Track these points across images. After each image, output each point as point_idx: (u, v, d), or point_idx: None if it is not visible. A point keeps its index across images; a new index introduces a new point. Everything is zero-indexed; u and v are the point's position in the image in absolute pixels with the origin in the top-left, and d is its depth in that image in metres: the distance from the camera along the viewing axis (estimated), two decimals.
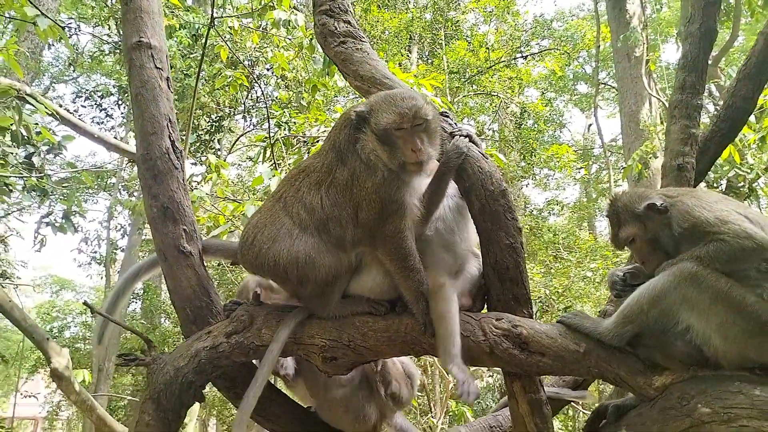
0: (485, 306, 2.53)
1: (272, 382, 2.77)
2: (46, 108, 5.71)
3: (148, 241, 20.47)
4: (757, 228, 2.18)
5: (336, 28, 2.81)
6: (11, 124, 5.75)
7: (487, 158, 2.48)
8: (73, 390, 6.32)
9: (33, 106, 5.71)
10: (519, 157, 17.95)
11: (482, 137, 19.95)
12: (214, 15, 7.50)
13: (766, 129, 8.30)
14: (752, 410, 2.00)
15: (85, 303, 2.84)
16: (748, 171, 12.26)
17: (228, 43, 10.09)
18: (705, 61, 3.23)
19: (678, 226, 2.25)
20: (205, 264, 2.72)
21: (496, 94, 18.39)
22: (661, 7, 20.12)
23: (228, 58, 9.82)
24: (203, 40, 8.90)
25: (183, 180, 2.69)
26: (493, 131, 20.70)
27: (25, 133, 5.88)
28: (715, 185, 13.08)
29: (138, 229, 20.10)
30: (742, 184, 12.41)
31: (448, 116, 2.60)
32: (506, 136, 18.78)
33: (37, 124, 6.06)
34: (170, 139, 2.68)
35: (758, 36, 3.39)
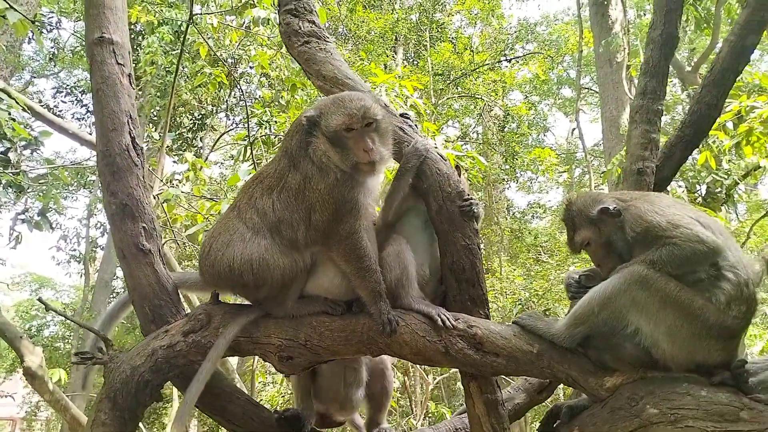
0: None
1: (235, 383, 2.75)
2: (18, 103, 5.63)
3: None
4: (709, 232, 2.21)
5: (300, 28, 2.81)
6: None
7: (445, 160, 2.49)
8: (47, 389, 6.26)
9: (5, 100, 5.63)
10: (502, 160, 18.04)
11: (466, 140, 20.06)
12: (194, 12, 7.47)
13: (742, 135, 8.38)
14: (698, 411, 2.04)
15: (39, 300, 2.80)
16: (725, 177, 12.42)
17: (209, 40, 10.05)
18: (666, 67, 3.28)
19: (631, 230, 2.28)
20: (165, 262, 2.70)
21: (480, 96, 18.47)
22: (644, 14, 20.35)
23: (210, 55, 9.77)
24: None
25: (143, 177, 2.67)
26: (477, 134, 20.80)
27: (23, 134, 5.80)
28: (693, 191, 13.25)
29: None
30: (719, 189, 12.58)
31: (408, 117, 2.61)
32: (489, 139, 18.88)
33: (14, 119, 5.97)
34: (130, 135, 2.66)
35: (723, 43, 3.44)
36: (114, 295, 20.42)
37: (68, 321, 21.09)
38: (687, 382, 2.13)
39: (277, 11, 7.16)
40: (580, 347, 2.28)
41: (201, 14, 7.76)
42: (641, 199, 2.39)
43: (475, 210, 2.44)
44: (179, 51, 7.68)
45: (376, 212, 2.49)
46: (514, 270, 14.72)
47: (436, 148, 2.50)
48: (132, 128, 2.67)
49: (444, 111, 19.61)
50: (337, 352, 2.40)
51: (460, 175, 2.55)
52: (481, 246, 2.48)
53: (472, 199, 2.46)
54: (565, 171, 19.45)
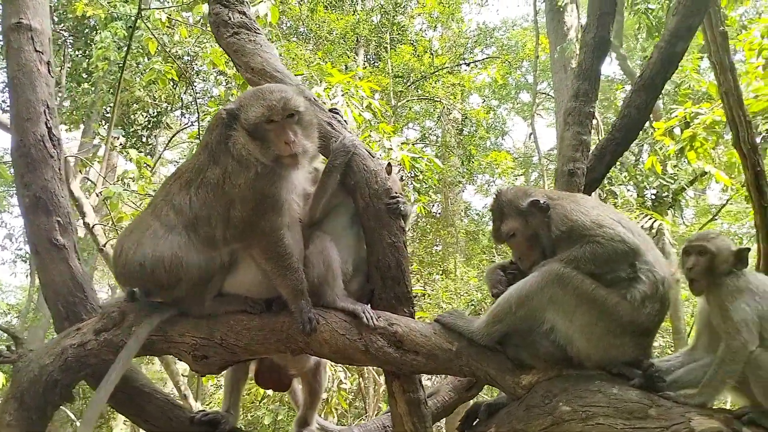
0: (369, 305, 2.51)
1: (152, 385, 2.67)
2: None
3: (83, 239, 19.70)
4: (629, 233, 2.25)
5: (230, 19, 2.75)
6: None
7: (373, 157, 2.47)
8: None
9: None
10: (459, 162, 18.19)
11: (426, 142, 20.15)
12: (143, 7, 7.29)
13: (686, 141, 8.60)
14: (608, 408, 2.06)
15: None
16: (672, 181, 12.77)
17: (163, 36, 9.83)
18: (598, 70, 3.33)
19: (556, 228, 2.31)
20: (80, 258, 2.60)
21: (439, 99, 18.59)
22: None
23: (164, 52, 9.56)
24: (135, 33, 8.63)
25: (59, 169, 2.57)
26: (437, 137, 20.93)
27: None
28: (642, 195, 13.59)
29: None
30: (666, 194, 12.93)
31: (337, 112, 2.58)
32: (447, 142, 19.01)
33: None
34: (47, 126, 2.56)
35: (654, 50, 3.52)
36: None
37: (18, 325, 20.36)
38: (600, 379, 2.16)
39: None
40: (498, 345, 2.29)
41: (149, 9, 7.55)
42: (568, 198, 2.42)
43: (402, 208, 2.42)
44: (127, 46, 7.50)
45: (300, 208, 2.43)
46: (469, 271, 14.86)
47: (398, 147, 2.46)
48: (49, 118, 2.57)
49: (404, 113, 19.68)
50: (254, 351, 2.35)
51: (390, 173, 2.53)
52: (407, 244, 2.46)
53: (399, 196, 2.44)
54: (521, 174, 19.72)
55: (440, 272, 15.69)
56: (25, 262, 20.49)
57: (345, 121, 2.60)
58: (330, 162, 2.43)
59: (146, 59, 11.18)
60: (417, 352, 2.29)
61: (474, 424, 2.44)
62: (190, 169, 2.34)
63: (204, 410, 2.64)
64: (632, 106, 3.44)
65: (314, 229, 2.47)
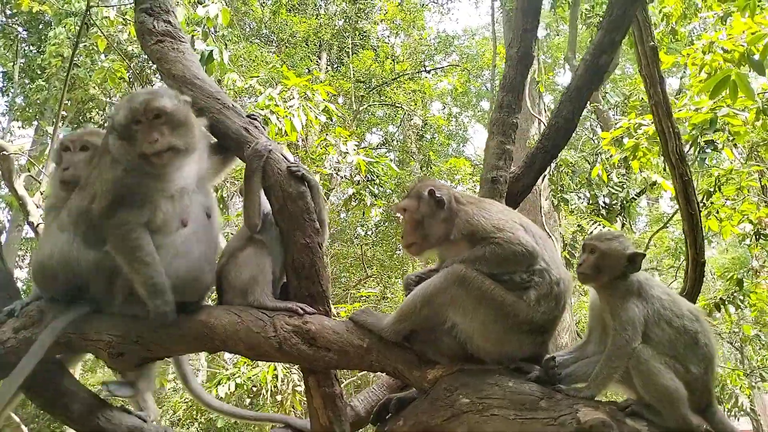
0: None
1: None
2: None
3: (29, 239, 19.19)
4: (529, 237, 2.38)
5: (154, 27, 2.80)
6: None
7: (287, 160, 2.56)
8: None
9: None
10: (419, 168, 18.37)
11: (388, 147, 20.30)
12: (92, 4, 7.22)
13: (629, 150, 8.89)
14: (503, 400, 2.19)
15: None
16: (620, 189, 13.15)
17: (115, 34, 9.72)
18: (522, 83, 3.49)
19: (459, 232, 2.42)
20: (5, 257, 2.61)
21: (400, 105, 18.75)
22: (558, 33, 21.33)
23: (116, 50, 9.43)
24: (88, 29, 8.51)
25: None
26: (399, 142, 21.10)
27: None
28: (594, 202, 13.94)
29: (17, 225, 18.78)
30: (615, 202, 13.30)
31: (255, 118, 2.66)
32: (408, 147, 19.18)
33: None
34: None
35: (580, 63, 3.70)
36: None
37: None
38: (499, 374, 2.28)
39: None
40: (406, 341, 2.39)
41: (98, 6, 7.48)
42: (475, 204, 2.54)
43: (304, 172, 2.53)
44: (75, 43, 7.41)
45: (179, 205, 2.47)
46: None
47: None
48: None
49: (367, 118, 19.81)
50: (171, 349, 2.41)
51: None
52: (323, 243, 2.55)
53: (300, 165, 2.55)
54: (479, 181, 19.99)
55: (400, 275, 15.82)
56: None
57: (263, 126, 2.68)
58: (247, 168, 2.53)
59: (102, 56, 11.04)
60: (329, 348, 2.38)
61: (386, 417, 2.54)
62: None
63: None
64: (560, 116, 3.61)
65: (246, 234, 2.58)
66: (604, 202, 13.40)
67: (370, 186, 11.83)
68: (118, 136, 2.34)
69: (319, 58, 19.00)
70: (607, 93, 16.23)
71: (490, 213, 2.45)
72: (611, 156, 9.88)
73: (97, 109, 14.44)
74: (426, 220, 2.51)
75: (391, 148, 20.65)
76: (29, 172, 8.37)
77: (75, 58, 12.04)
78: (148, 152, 2.29)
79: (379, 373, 2.54)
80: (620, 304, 2.26)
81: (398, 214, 2.65)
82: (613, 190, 12.79)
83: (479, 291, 2.26)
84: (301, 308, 2.46)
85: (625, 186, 12.79)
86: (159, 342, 2.38)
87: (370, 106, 19.12)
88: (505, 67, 3.54)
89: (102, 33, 7.56)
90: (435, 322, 2.32)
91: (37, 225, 7.09)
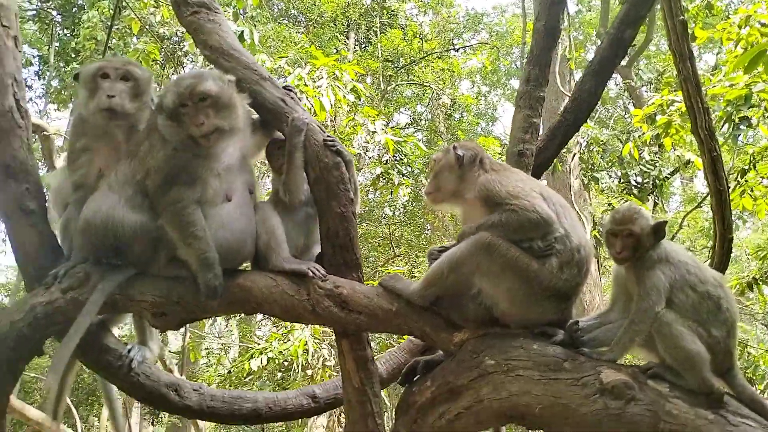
0: None
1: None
2: None
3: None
4: (546, 205, 2.43)
5: None
6: None
7: (323, 132, 2.64)
8: None
9: None
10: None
11: (416, 127, 20.24)
12: None
13: (661, 127, 8.75)
14: (528, 362, 2.27)
15: None
16: (651, 168, 12.92)
17: (148, 17, 9.88)
18: (548, 56, 3.50)
19: (475, 194, 2.52)
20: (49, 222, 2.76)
21: (428, 84, 18.64)
22: (590, 9, 20.90)
23: (148, 31, 9.60)
24: (121, 12, 8.69)
25: (27, 139, 2.73)
26: (427, 121, 21.01)
27: None
28: (625, 181, 13.75)
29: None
30: (647, 180, 13.08)
31: (291, 89, 2.75)
32: (436, 127, 19.09)
33: None
34: (14, 97, 2.69)
35: (604, 36, 3.69)
36: None
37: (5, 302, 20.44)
38: (523, 337, 2.35)
39: None
40: (433, 306, 2.48)
41: None
42: (498, 171, 2.61)
43: (339, 147, 2.62)
44: (109, 26, 7.58)
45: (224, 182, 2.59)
46: None
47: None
48: (16, 90, 2.71)
49: (395, 98, 19.76)
50: (208, 310, 2.54)
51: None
52: (356, 213, 2.64)
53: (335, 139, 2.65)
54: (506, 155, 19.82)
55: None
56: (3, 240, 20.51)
57: (298, 98, 2.76)
58: (288, 143, 2.62)
59: (134, 39, 11.24)
60: (360, 312, 2.48)
61: (414, 379, 2.63)
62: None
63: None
64: (583, 89, 3.63)
65: (258, 201, 2.71)
66: (635, 181, 13.21)
67: (398, 165, 11.86)
68: (166, 117, 2.45)
69: (347, 38, 18.96)
70: (640, 70, 15.93)
71: (509, 180, 2.51)
72: (643, 134, 9.72)
73: None
74: (443, 173, 2.63)
75: (419, 127, 20.59)
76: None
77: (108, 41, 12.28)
78: (196, 134, 2.41)
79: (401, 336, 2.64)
80: (646, 272, 2.31)
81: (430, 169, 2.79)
82: (645, 169, 12.59)
83: (504, 258, 2.33)
84: (313, 270, 2.53)
85: (657, 164, 12.58)
86: (199, 303, 2.51)
87: (398, 85, 19.05)
88: (532, 40, 3.55)
89: (135, 15, 7.70)
90: (461, 288, 2.40)
91: None
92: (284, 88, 2.75)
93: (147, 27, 8.77)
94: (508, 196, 2.40)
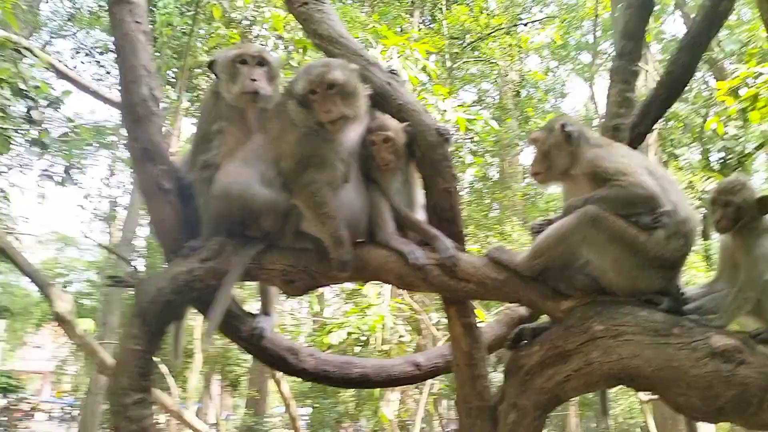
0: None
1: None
2: (41, 61, 5.95)
3: None
4: (653, 181, 2.50)
5: None
6: (9, 76, 6.04)
7: (428, 113, 2.81)
8: (76, 334, 6.75)
9: (30, 58, 5.96)
10: (516, 125, 18.08)
11: (482, 104, 20.05)
12: None
13: (748, 101, 8.43)
14: (636, 327, 2.37)
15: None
16: (735, 143, 12.39)
17: (221, 2, 10.24)
18: (642, 30, 3.50)
19: (582, 170, 2.62)
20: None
21: (495, 61, 18.39)
22: None
23: (224, 16, 9.97)
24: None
25: (160, 124, 3.01)
26: (494, 99, 20.77)
27: (24, 87, 6.11)
28: (706, 157, 13.25)
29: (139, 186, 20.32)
30: (730, 156, 12.56)
31: (395, 73, 2.91)
32: (505, 104, 18.84)
33: (34, 77, 6.32)
34: (148, 87, 2.96)
35: (699, 9, 3.65)
36: (137, 252, 21.07)
37: (98, 279, 21.82)
38: (630, 305, 2.46)
39: None
40: (540, 276, 2.61)
41: None
42: (603, 146, 2.69)
43: (442, 127, 2.77)
44: (194, 12, 7.94)
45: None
46: (526, 234, 14.97)
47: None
48: (150, 80, 2.98)
49: (461, 75, 19.62)
50: (332, 278, 2.77)
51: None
52: (458, 188, 2.80)
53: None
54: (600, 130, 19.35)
55: (497, 235, 15.83)
56: (102, 221, 21.84)
57: (402, 81, 2.92)
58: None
59: (208, 24, 11.64)
60: (469, 280, 2.64)
61: (521, 344, 2.79)
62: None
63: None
64: (677, 64, 3.60)
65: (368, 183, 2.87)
66: (719, 158, 12.70)
67: (468, 144, 11.84)
68: (297, 102, 2.64)
69: (411, 16, 18.90)
70: (721, 41, 15.17)
71: (616, 156, 2.60)
72: (726, 108, 9.36)
73: (203, 76, 15.22)
74: (553, 151, 2.71)
75: (484, 105, 20.39)
76: None
77: (185, 27, 12.76)
78: (324, 120, 2.60)
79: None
80: (754, 242, 2.37)
81: (531, 145, 2.87)
82: (729, 144, 12.09)
83: (611, 230, 2.44)
84: (414, 257, 2.65)
85: (741, 140, 12.06)
86: (323, 272, 2.74)
87: (464, 63, 18.88)
88: (625, 14, 3.56)
89: (219, 1, 8.04)
90: (568, 258, 2.52)
91: None
92: (389, 72, 2.91)
93: (227, 13, 9.11)
94: (617, 172, 2.49)
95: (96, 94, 7.38)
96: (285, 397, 9.00)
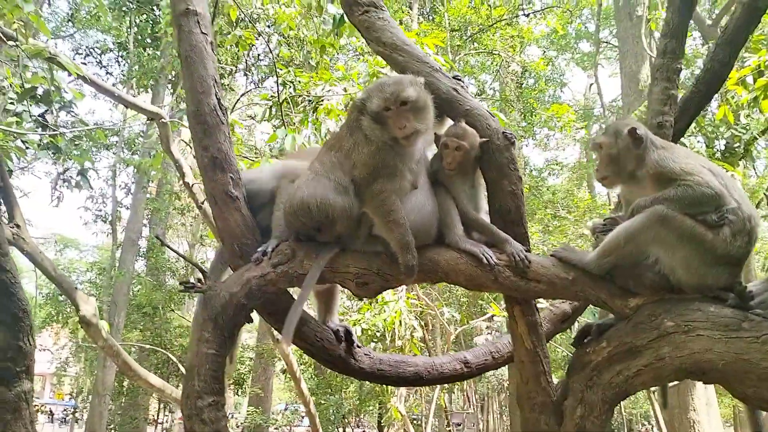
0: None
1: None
2: (71, 70, 6.01)
3: (152, 199, 20.82)
4: (717, 181, 2.61)
5: None
6: (41, 84, 6.08)
7: (494, 118, 2.89)
8: (101, 336, 6.86)
9: (60, 67, 6.01)
10: (519, 117, 18.15)
11: (482, 96, 20.12)
12: None
13: (760, 90, 8.54)
14: (707, 323, 2.47)
15: (156, 237, 3.25)
16: (744, 132, 12.53)
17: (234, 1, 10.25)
18: (685, 28, 3.59)
19: (647, 170, 2.72)
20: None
21: (497, 52, 18.43)
22: None
23: (236, 17, 9.97)
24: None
25: (228, 133, 3.08)
26: (494, 90, 20.82)
27: (59, 97, 6.17)
28: (711, 146, 13.36)
29: (143, 187, 20.37)
30: (738, 144, 12.70)
31: (460, 79, 2.98)
32: (507, 96, 18.92)
33: (65, 87, 6.38)
34: (216, 97, 3.04)
35: (737, 4, 3.73)
36: (140, 254, 21.11)
37: (98, 280, 21.81)
38: (699, 301, 2.56)
39: None
40: (608, 275, 2.70)
41: None
42: (666, 148, 2.80)
43: (508, 131, 2.88)
44: (212, 14, 7.96)
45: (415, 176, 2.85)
46: (531, 227, 15.10)
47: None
48: (217, 90, 3.06)
49: (461, 68, 19.65)
50: (403, 280, 2.85)
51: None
52: (523, 191, 2.88)
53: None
54: (582, 128, 19.60)
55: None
56: (105, 221, 21.82)
57: (466, 86, 3.00)
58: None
59: (212, 22, 11.57)
60: (539, 281, 2.73)
61: (586, 341, 2.88)
62: (336, 138, 2.93)
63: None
64: (715, 60, 3.70)
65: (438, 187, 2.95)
66: (724, 146, 12.81)
67: None
68: (371, 119, 2.74)
69: (410, 9, 18.89)
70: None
71: (680, 157, 2.70)
72: (735, 96, 9.45)
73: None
74: (621, 156, 2.80)
75: (485, 97, 20.45)
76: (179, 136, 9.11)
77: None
78: (399, 136, 2.70)
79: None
80: None
81: (594, 150, 2.95)
82: (737, 132, 12.21)
83: (680, 230, 2.54)
84: (487, 257, 2.75)
85: (748, 128, 12.18)
86: (394, 275, 2.82)
87: (465, 55, 18.91)
88: (667, 12, 3.65)
89: (235, 3, 8.07)
90: (637, 257, 2.62)
91: (192, 185, 7.86)
92: (453, 77, 2.99)
93: (243, 14, 9.13)
94: (683, 172, 2.59)
95: (117, 98, 7.40)
96: (304, 395, 9.10)
